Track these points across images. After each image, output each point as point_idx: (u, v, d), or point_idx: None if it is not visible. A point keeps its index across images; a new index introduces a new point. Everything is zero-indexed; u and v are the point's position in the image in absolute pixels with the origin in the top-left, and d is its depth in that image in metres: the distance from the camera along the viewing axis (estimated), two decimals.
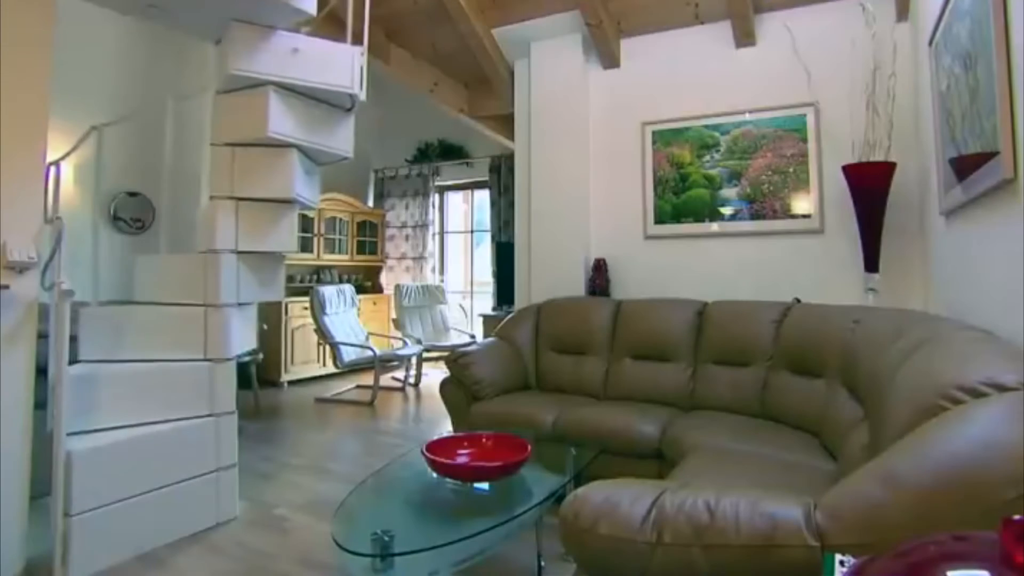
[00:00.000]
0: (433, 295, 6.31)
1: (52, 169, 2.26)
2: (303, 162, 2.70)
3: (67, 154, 2.38)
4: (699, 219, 3.67)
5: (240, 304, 2.58)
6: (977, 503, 0.86)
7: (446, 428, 3.57)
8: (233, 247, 2.52)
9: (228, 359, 2.53)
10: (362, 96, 2.71)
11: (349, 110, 2.81)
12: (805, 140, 3.40)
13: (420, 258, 7.15)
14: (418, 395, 5.38)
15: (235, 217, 2.53)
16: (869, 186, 2.98)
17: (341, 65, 2.63)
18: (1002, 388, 1.06)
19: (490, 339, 3.48)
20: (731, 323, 2.94)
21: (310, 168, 2.81)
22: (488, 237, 6.84)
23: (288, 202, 2.67)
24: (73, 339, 2.21)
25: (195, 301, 2.49)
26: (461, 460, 2.05)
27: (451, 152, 7.06)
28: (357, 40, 2.71)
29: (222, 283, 2.48)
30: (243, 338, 2.68)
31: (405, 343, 5.70)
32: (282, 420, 4.40)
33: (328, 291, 5.35)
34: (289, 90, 2.54)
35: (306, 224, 6.13)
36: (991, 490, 0.86)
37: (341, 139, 2.80)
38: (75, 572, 2.00)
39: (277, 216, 2.66)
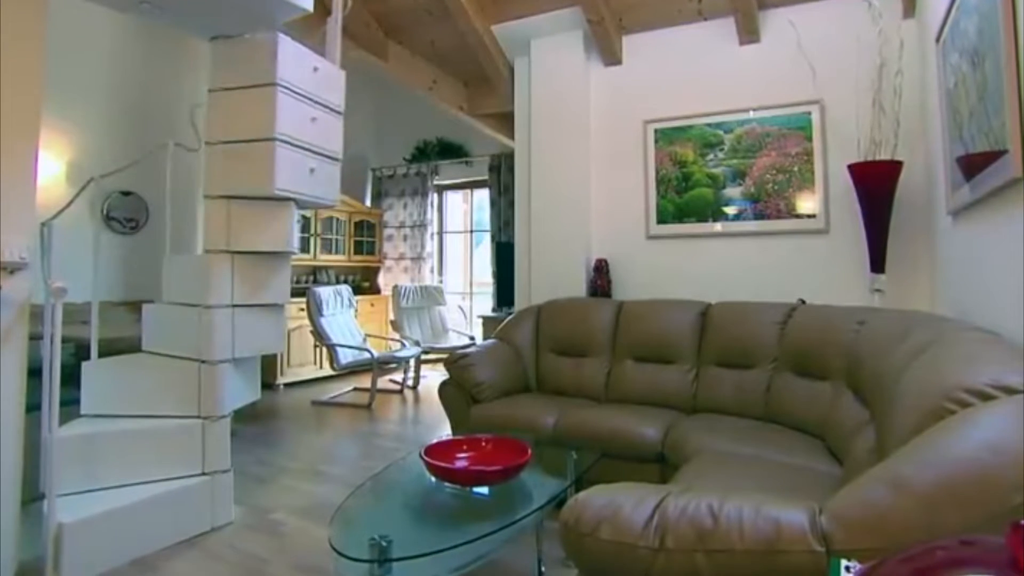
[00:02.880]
0: (432, 296, 6.29)
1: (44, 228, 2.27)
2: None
3: (62, 210, 2.37)
4: (702, 219, 3.65)
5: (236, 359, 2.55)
6: (984, 508, 0.85)
7: (445, 431, 3.54)
8: (230, 302, 2.49)
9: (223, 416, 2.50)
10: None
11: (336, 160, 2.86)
12: (810, 138, 3.37)
13: (418, 258, 7.12)
14: (416, 398, 5.36)
15: (231, 271, 2.49)
16: (875, 185, 2.95)
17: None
18: (1009, 390, 1.05)
19: (490, 341, 3.46)
20: (734, 324, 2.91)
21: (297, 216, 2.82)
22: (488, 237, 6.80)
23: (284, 254, 2.68)
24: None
25: (190, 355, 2.48)
26: (460, 464, 2.02)
27: (450, 151, 7.03)
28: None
29: (216, 337, 2.45)
30: (243, 393, 2.68)
31: (403, 345, 5.67)
32: (278, 423, 4.37)
33: (325, 292, 5.32)
34: (293, 145, 2.53)
35: (303, 224, 6.12)
36: (998, 494, 0.85)
37: (331, 188, 2.83)
38: None
39: (273, 267, 2.64)
